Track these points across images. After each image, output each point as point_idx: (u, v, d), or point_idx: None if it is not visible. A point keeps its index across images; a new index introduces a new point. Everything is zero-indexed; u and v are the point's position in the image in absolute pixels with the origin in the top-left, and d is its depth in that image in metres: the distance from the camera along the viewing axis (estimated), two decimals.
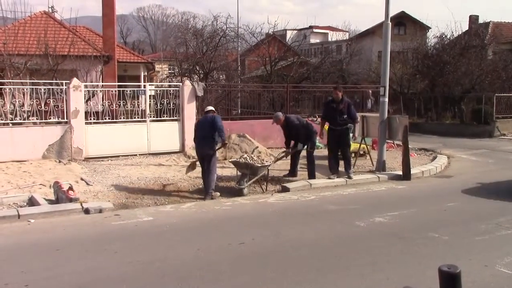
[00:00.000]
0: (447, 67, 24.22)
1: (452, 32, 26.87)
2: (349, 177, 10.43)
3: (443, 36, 26.63)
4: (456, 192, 9.64)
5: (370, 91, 19.80)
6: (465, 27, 31.33)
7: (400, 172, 11.03)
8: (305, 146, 10.58)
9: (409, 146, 11.57)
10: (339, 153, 10.87)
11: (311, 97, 19.58)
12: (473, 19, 34.32)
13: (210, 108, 9.88)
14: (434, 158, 13.74)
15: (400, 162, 11.39)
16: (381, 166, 11.44)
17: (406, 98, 25.60)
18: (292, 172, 10.76)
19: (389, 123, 11.51)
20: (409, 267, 5.33)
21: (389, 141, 13.03)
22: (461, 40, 25.87)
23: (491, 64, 24.82)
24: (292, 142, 10.84)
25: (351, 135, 11.30)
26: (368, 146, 13.06)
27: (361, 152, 12.98)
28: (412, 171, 11.07)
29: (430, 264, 5.05)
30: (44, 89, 12.40)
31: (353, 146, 13.34)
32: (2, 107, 11.95)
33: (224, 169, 11.26)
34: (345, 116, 10.33)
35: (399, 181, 10.70)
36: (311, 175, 10.56)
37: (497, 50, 27.20)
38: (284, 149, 11.18)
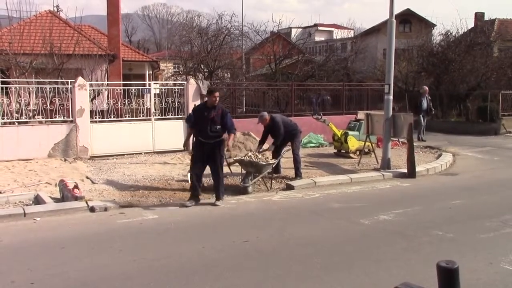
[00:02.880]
0: (453, 65, 24.12)
1: (458, 30, 26.72)
2: (215, 204, 8.22)
3: (449, 33, 26.52)
4: (461, 190, 9.64)
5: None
6: (471, 24, 31.22)
7: (405, 170, 11.00)
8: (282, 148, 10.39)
9: (414, 143, 11.55)
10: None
11: (316, 95, 19.59)
12: (479, 16, 34.20)
13: None
14: (439, 155, 13.69)
15: (405, 160, 11.36)
16: (385, 164, 11.42)
17: (411, 96, 25.52)
18: (276, 168, 10.35)
19: (394, 120, 11.48)
20: (414, 265, 5.33)
21: (393, 139, 13.00)
22: (467, 37, 25.74)
23: (496, 62, 24.69)
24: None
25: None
26: (373, 144, 13.04)
27: (366, 150, 12.96)
28: (417, 168, 11.04)
29: (435, 262, 5.03)
30: (50, 88, 12.46)
31: (358, 143, 13.37)
32: (8, 106, 12.02)
33: None
34: (218, 127, 8.22)
35: (404, 179, 10.68)
36: (297, 175, 10.34)
37: (503, 48, 27.05)
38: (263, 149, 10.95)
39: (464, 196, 9.01)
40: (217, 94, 8.43)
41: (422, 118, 17.42)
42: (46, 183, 9.46)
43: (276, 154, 10.41)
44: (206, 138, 8.23)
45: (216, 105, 8.37)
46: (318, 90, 20.61)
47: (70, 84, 12.62)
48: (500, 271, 5.15)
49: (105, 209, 7.70)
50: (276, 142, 10.34)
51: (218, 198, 8.36)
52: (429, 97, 17.93)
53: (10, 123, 12.07)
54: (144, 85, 17.12)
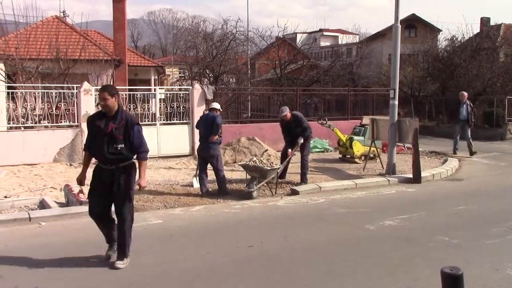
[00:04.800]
0: (458, 70, 24.08)
1: (463, 35, 26.72)
2: (115, 268, 5.29)
3: (454, 38, 26.50)
4: (467, 195, 9.58)
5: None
6: (476, 29, 31.14)
7: (411, 175, 10.96)
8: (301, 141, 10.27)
9: (420, 149, 11.51)
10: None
11: (321, 100, 19.59)
12: (485, 21, 34.08)
13: (215, 106, 9.80)
14: (445, 161, 13.64)
15: (410, 165, 11.32)
16: (391, 169, 11.39)
17: (417, 101, 25.49)
18: (281, 173, 10.28)
19: (399, 126, 11.45)
20: (419, 271, 5.29)
21: (399, 144, 12.96)
22: (472, 42, 25.70)
23: (502, 67, 24.65)
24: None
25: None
26: (378, 149, 13.01)
27: (371, 155, 12.93)
28: (423, 174, 11.00)
29: (440, 268, 5.00)
30: (55, 93, 12.52)
31: (363, 149, 13.34)
32: (14, 111, 12.08)
33: (234, 172, 11.27)
34: (121, 146, 5.42)
35: (409, 184, 10.64)
36: (303, 181, 10.33)
37: (509, 52, 26.96)
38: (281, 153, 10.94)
39: (470, 202, 8.95)
40: (106, 94, 5.35)
41: (461, 129, 15.24)
42: (51, 187, 9.49)
43: (283, 158, 10.42)
44: (105, 162, 5.48)
45: (118, 113, 5.44)
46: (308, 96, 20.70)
47: (76, 89, 12.69)
48: (507, 277, 5.11)
49: None
50: (304, 135, 10.27)
51: (120, 256, 5.41)
52: (471, 104, 15.44)
53: (16, 127, 12.14)
54: (149, 90, 17.16)
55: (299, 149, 10.53)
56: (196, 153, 13.24)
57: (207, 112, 9.90)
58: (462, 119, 15.20)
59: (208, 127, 9.38)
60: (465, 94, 15.49)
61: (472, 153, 14.91)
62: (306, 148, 10.55)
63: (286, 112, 10.42)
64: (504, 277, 5.11)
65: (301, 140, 10.28)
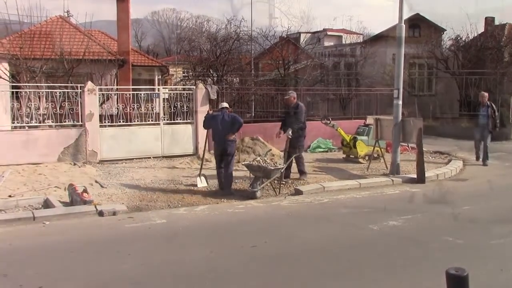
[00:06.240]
0: (463, 70, 23.96)
1: (468, 34, 26.62)
2: None
3: (458, 38, 26.40)
4: (471, 196, 9.55)
5: None
6: (481, 29, 30.98)
7: (415, 175, 10.93)
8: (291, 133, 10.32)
9: (424, 149, 11.47)
10: None
11: (325, 100, 19.58)
12: (489, 21, 33.92)
13: (226, 105, 9.97)
14: (449, 161, 13.60)
15: (414, 165, 11.29)
16: (395, 169, 11.36)
17: (420, 101, 25.40)
18: (285, 173, 10.31)
19: (403, 126, 11.42)
20: (423, 271, 5.28)
21: (403, 144, 12.92)
22: (477, 42, 25.60)
23: (507, 66, 24.54)
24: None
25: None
26: (382, 149, 12.98)
27: (375, 155, 12.90)
28: (427, 174, 10.97)
29: (444, 269, 4.98)
30: (60, 93, 12.53)
31: (367, 148, 13.31)
32: (18, 110, 12.11)
33: (238, 172, 11.25)
34: None
35: (413, 184, 10.61)
36: (301, 175, 10.64)
37: None
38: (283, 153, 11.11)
39: (474, 202, 8.92)
40: None
41: (480, 135, 13.45)
42: (56, 187, 9.50)
43: (285, 158, 10.42)
44: None
45: None
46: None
47: (80, 89, 12.70)
48: (511, 278, 5.09)
49: (114, 213, 7.72)
50: (293, 127, 10.37)
51: None
52: (492, 105, 13.33)
53: (20, 127, 12.16)
54: (153, 89, 17.16)
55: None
56: (199, 152, 13.31)
57: (220, 111, 9.93)
58: (481, 124, 13.38)
59: (227, 126, 9.51)
60: (486, 94, 13.70)
61: (480, 158, 13.52)
62: (299, 148, 10.62)
63: (291, 95, 10.88)
64: (509, 278, 5.09)
65: (290, 132, 10.29)
